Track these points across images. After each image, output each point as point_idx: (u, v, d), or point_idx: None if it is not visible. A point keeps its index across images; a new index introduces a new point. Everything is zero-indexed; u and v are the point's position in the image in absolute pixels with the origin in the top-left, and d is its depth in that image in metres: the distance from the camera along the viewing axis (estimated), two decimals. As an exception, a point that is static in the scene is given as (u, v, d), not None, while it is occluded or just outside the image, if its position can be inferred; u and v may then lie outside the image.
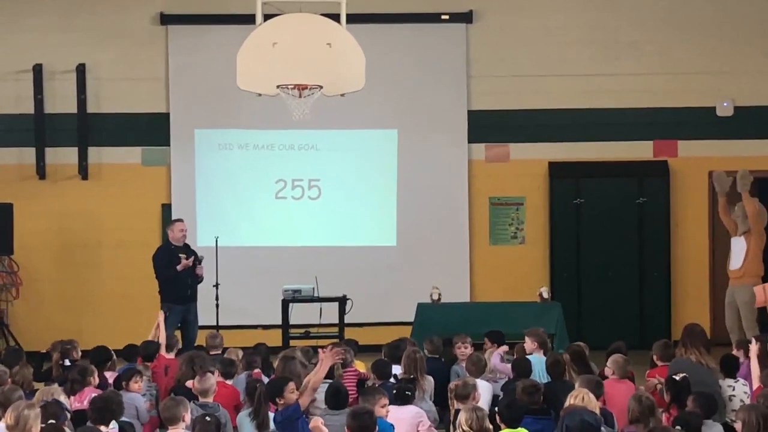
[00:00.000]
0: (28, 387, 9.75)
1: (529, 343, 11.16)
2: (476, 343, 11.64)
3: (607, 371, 9.83)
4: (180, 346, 12.25)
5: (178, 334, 13.29)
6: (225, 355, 11.01)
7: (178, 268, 13.82)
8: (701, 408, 8.15)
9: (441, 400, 10.13)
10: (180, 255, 14.01)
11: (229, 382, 9.96)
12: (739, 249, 14.11)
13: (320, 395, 9.18)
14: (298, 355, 10.31)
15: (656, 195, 16.70)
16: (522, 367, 9.95)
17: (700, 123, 16.79)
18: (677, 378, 8.86)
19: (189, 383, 9.61)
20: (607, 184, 16.73)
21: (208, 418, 7.90)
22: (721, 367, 9.87)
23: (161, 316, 12.10)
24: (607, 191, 16.72)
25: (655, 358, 10.59)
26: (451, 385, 9.24)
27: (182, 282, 13.95)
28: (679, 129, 16.85)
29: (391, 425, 8.39)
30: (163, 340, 11.49)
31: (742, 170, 14.16)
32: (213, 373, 9.53)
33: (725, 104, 16.83)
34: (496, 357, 11.07)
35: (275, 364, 10.25)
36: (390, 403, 8.65)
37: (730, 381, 9.68)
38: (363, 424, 7.60)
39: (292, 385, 8.80)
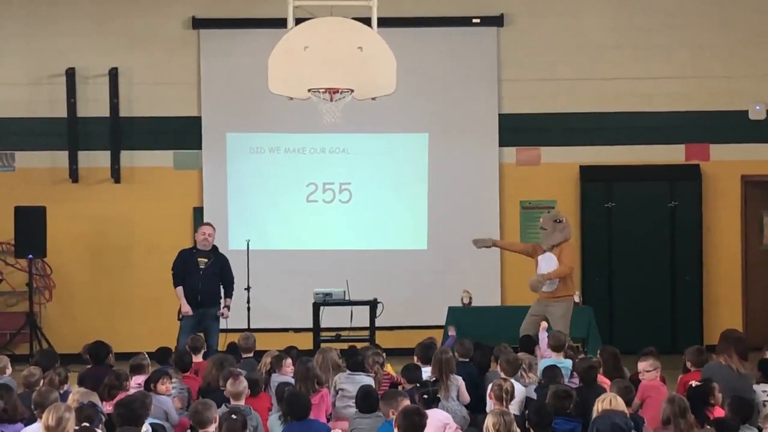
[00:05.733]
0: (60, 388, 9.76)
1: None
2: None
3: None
4: (206, 348, 12.23)
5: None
6: (259, 362, 11.00)
7: (222, 316, 13.94)
8: (735, 413, 8.10)
9: (472, 403, 10.12)
10: (200, 259, 13.90)
11: None
12: (550, 265, 13.45)
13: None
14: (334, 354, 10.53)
15: (688, 199, 16.63)
16: (552, 373, 9.91)
17: (732, 126, 16.72)
18: (693, 384, 8.82)
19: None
20: (639, 188, 16.67)
21: (234, 416, 7.88)
22: (759, 371, 9.80)
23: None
24: (639, 195, 16.66)
25: (688, 363, 10.52)
26: (494, 386, 9.15)
27: (192, 286, 13.81)
28: (711, 132, 16.78)
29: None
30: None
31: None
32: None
33: (758, 108, 16.75)
34: (545, 340, 11.17)
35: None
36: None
37: (764, 386, 9.59)
38: (413, 424, 7.57)
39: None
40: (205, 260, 13.91)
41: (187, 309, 13.72)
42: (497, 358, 10.73)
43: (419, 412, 7.68)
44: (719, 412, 8.45)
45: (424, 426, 7.59)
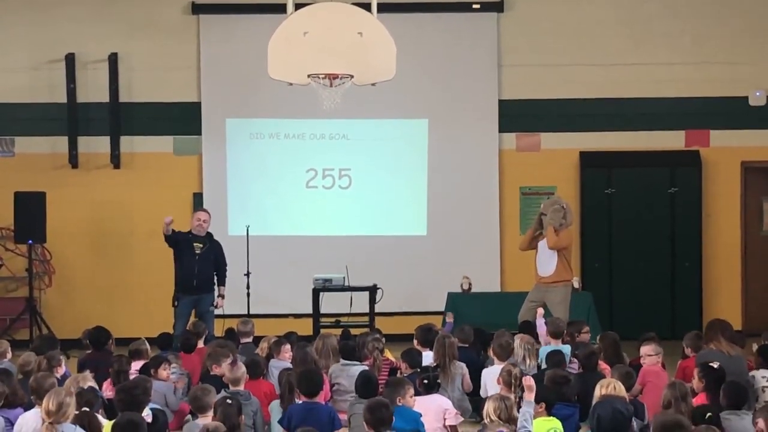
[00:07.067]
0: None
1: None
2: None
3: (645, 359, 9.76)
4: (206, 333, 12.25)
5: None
6: (258, 347, 11.04)
7: (215, 307, 13.87)
8: (730, 398, 8.10)
9: (473, 389, 10.14)
10: (195, 244, 13.85)
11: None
12: (549, 252, 13.40)
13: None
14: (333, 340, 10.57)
15: (688, 185, 16.62)
16: (556, 359, 9.93)
17: (732, 113, 16.70)
18: (715, 366, 8.77)
19: (217, 370, 9.65)
20: (639, 174, 16.66)
21: (229, 401, 7.89)
22: (759, 357, 9.80)
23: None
24: (639, 181, 16.65)
25: (688, 350, 10.54)
26: (503, 372, 9.16)
27: (188, 271, 13.77)
28: (711, 119, 16.76)
29: (419, 414, 8.43)
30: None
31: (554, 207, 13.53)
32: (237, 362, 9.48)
33: (758, 94, 16.74)
34: (542, 326, 11.21)
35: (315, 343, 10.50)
36: (416, 393, 8.68)
37: (764, 371, 9.58)
38: (380, 417, 7.58)
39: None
40: (201, 245, 13.87)
41: (169, 219, 13.65)
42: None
43: (385, 405, 7.69)
44: None
45: (390, 418, 7.60)
